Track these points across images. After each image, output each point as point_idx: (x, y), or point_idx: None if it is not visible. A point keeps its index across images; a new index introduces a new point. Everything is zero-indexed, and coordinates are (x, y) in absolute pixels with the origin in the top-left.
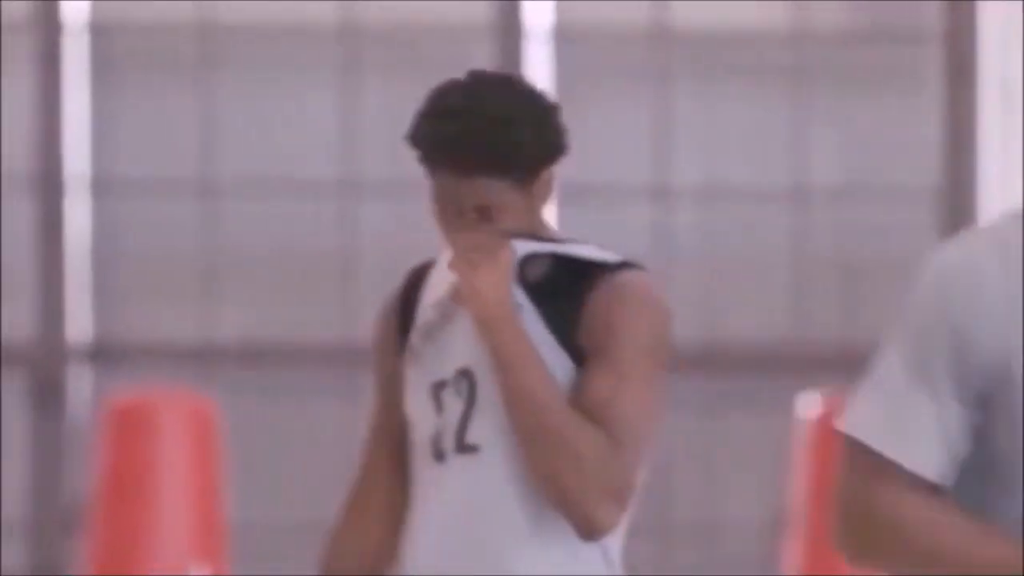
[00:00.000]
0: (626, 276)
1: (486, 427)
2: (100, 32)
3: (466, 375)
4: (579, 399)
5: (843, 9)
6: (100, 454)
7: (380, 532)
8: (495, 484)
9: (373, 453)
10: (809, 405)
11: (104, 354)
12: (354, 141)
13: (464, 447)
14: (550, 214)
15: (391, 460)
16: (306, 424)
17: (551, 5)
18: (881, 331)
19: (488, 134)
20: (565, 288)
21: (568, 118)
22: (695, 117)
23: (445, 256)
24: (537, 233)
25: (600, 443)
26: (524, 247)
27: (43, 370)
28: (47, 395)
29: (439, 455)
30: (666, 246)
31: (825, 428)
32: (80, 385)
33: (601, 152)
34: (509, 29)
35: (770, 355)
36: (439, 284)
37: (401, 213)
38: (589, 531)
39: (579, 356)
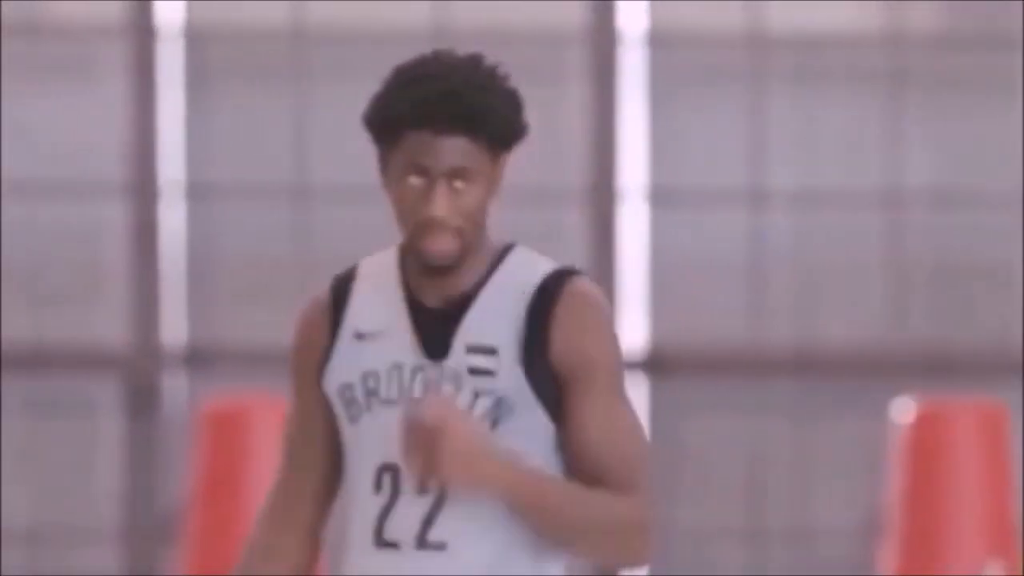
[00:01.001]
0: (580, 287)
1: (454, 525)
2: (194, 38)
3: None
4: (579, 442)
5: (939, 12)
6: (195, 459)
7: (300, 551)
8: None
9: (298, 459)
10: (903, 409)
11: (198, 359)
12: None
13: (427, 544)
14: (643, 217)
15: (318, 482)
16: None
17: (645, 9)
18: (975, 335)
19: (466, 95)
20: (535, 302)
21: (662, 122)
22: (790, 121)
23: (369, 264)
24: (486, 241)
25: (629, 505)
26: (532, 261)
27: (138, 375)
28: (142, 400)
29: (385, 543)
30: (760, 250)
31: (919, 432)
32: (175, 390)
33: (696, 156)
34: (603, 33)
35: (864, 359)
36: (372, 299)
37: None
38: (637, 569)
39: (547, 373)
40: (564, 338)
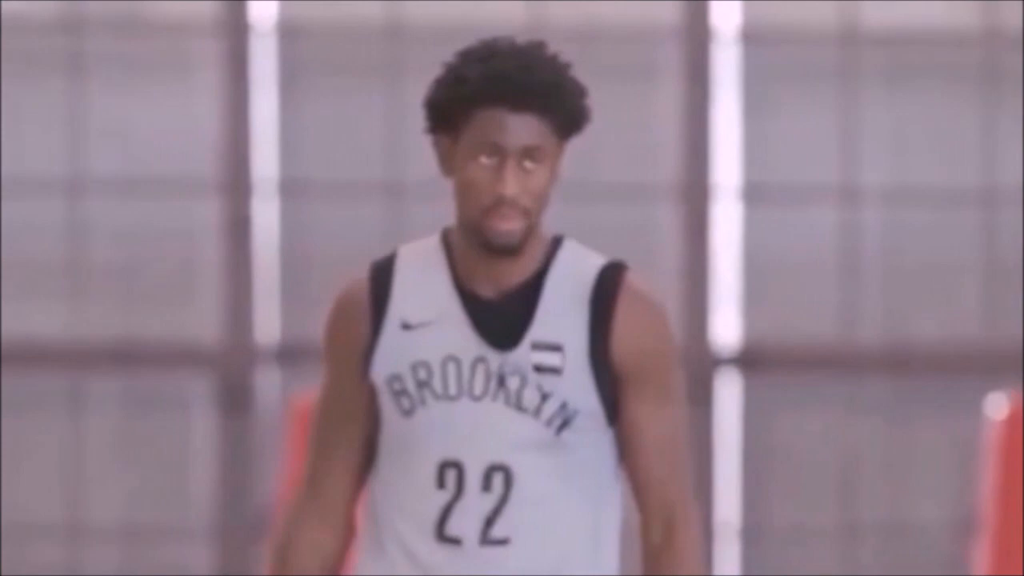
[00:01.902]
0: (637, 285)
1: (518, 521)
2: (288, 34)
3: (502, 471)
4: (635, 444)
5: None
6: (287, 456)
7: (336, 542)
8: (530, 573)
9: (339, 453)
10: (997, 406)
11: (291, 355)
12: None
13: (490, 540)
14: (736, 214)
15: (354, 464)
16: None
17: (739, 6)
18: None
19: (539, 72)
20: (595, 299)
21: (756, 120)
22: (883, 118)
23: (410, 252)
24: (549, 232)
25: (697, 535)
26: (584, 253)
27: (231, 372)
28: (235, 397)
29: (446, 538)
30: (853, 247)
31: (1013, 429)
32: (267, 387)
33: (788, 153)
34: (696, 31)
35: (958, 356)
36: (418, 289)
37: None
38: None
39: (608, 373)
40: (626, 338)
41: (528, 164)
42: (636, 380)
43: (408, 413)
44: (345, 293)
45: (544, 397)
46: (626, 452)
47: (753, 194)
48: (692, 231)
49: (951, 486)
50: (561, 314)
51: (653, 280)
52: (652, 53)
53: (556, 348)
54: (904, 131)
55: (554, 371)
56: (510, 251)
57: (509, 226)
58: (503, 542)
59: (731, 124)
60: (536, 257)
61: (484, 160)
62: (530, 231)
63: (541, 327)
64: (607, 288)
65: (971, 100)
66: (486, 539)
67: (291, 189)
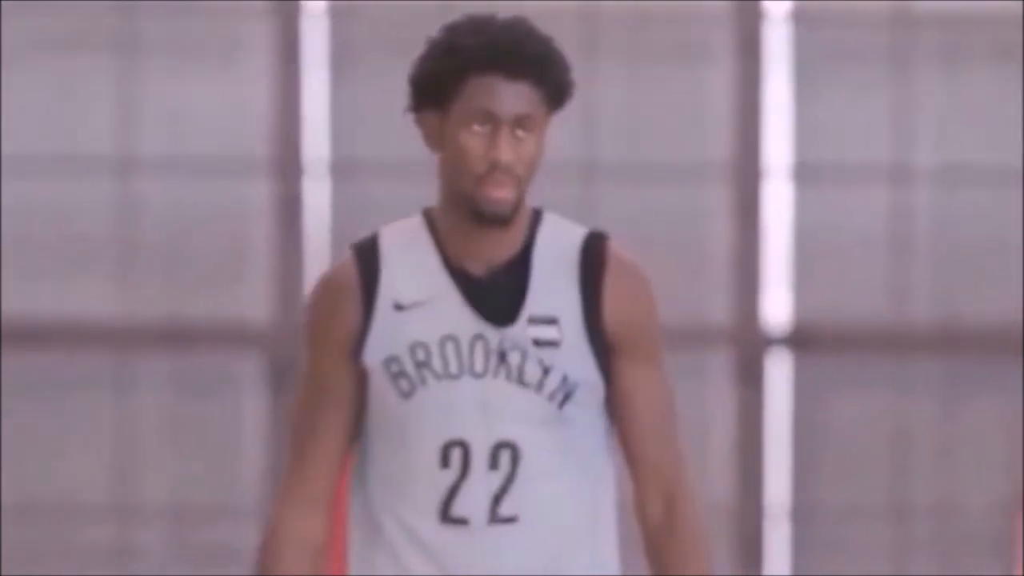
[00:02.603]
0: (622, 254)
1: (525, 498)
2: (339, 15)
3: (508, 447)
4: (627, 411)
5: None
6: None
7: (323, 530)
8: (544, 550)
9: (327, 440)
10: None
11: None
12: (593, 126)
13: (498, 518)
14: (787, 194)
15: (341, 451)
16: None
17: None
18: None
19: (531, 42)
20: (584, 270)
21: (807, 100)
22: (934, 98)
23: (392, 233)
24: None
25: (705, 548)
26: (565, 225)
27: (280, 352)
28: (284, 377)
29: (452, 519)
30: (904, 227)
31: None
32: None
33: (839, 133)
34: (748, 11)
35: (1008, 336)
36: (407, 269)
37: (638, 195)
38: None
39: (602, 342)
40: (618, 307)
41: (520, 133)
42: (628, 349)
43: (407, 395)
44: (331, 277)
45: (546, 371)
46: (620, 423)
47: (804, 174)
48: (743, 211)
49: (1001, 465)
50: (553, 287)
51: (704, 260)
52: (704, 34)
53: (552, 321)
54: (955, 111)
55: (552, 344)
56: (502, 221)
57: (503, 194)
58: (511, 520)
59: (782, 104)
60: (522, 231)
61: (477, 128)
62: (520, 202)
63: (536, 301)
64: (594, 258)
65: (1021, 80)
66: (494, 518)
67: (342, 169)
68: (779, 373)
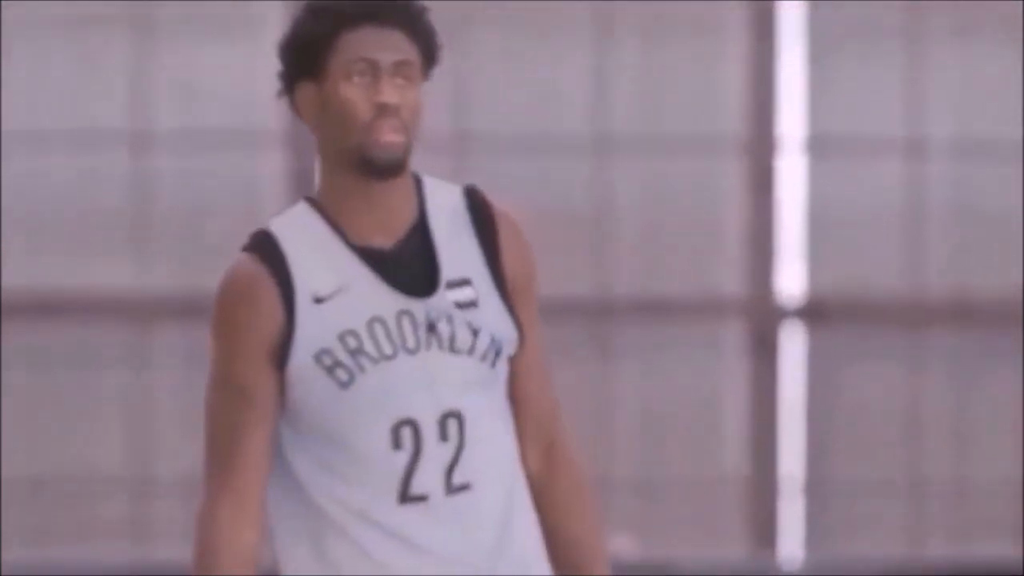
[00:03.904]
0: (501, 207)
1: (474, 464)
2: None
3: (454, 417)
4: (527, 356)
5: None
6: None
7: (256, 537)
8: (495, 513)
9: (254, 447)
10: None
11: None
12: (607, 101)
13: (454, 488)
14: (801, 167)
15: (268, 456)
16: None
17: None
18: None
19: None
20: (477, 226)
21: (821, 73)
22: (948, 71)
23: (284, 226)
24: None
25: (576, 455)
26: (441, 184)
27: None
28: None
29: (411, 497)
30: (918, 200)
31: None
32: None
33: (854, 106)
34: None
35: (1022, 309)
36: (314, 260)
37: (653, 167)
38: None
39: (504, 287)
40: (512, 257)
41: (400, 81)
42: (520, 298)
43: (346, 384)
44: (240, 279)
45: (475, 333)
46: (509, 374)
47: (818, 148)
48: (758, 185)
49: (1015, 439)
50: (457, 247)
51: (718, 234)
52: (718, 9)
53: (466, 282)
54: (968, 85)
55: (472, 304)
56: (394, 168)
57: (393, 137)
58: (465, 488)
59: (797, 78)
60: (413, 196)
61: (357, 79)
62: (409, 151)
63: (446, 265)
64: (481, 213)
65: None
66: (450, 488)
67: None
68: (793, 346)
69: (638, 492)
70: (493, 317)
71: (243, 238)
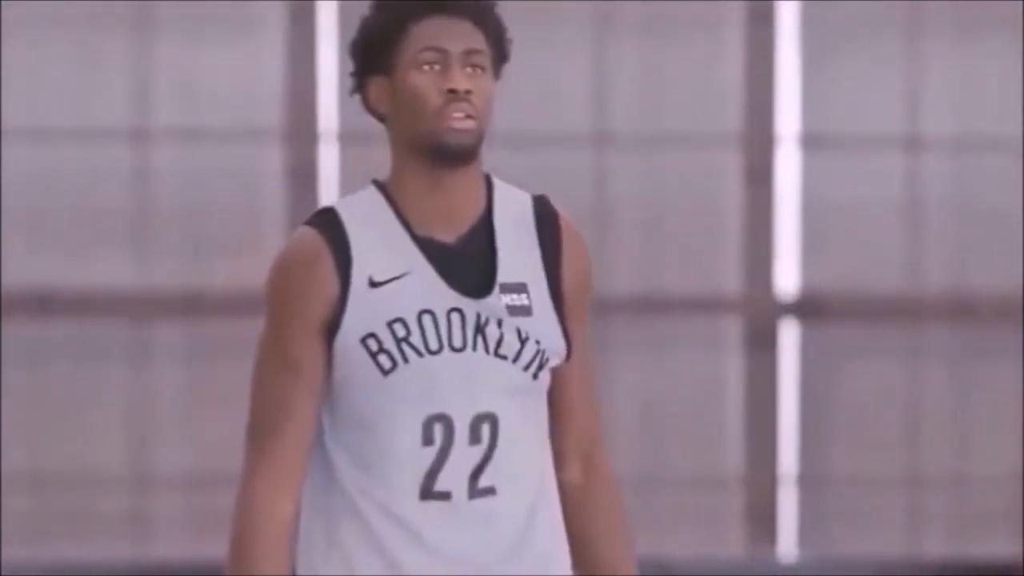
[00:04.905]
0: (568, 218)
1: (501, 470)
2: None
3: (488, 420)
4: (575, 369)
5: None
6: None
7: (296, 512)
8: (516, 519)
9: (299, 417)
10: None
11: None
12: (606, 97)
13: (478, 491)
14: (798, 162)
15: (312, 428)
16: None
17: None
18: None
19: None
20: (541, 234)
21: (819, 68)
22: (947, 67)
23: (350, 207)
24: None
25: (620, 496)
26: (512, 188)
27: None
28: None
29: (434, 494)
30: (916, 196)
31: None
32: None
33: (851, 102)
34: None
35: (1020, 305)
36: (375, 243)
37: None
38: None
39: (560, 300)
40: (572, 270)
41: (470, 70)
42: (575, 312)
43: (388, 372)
44: (300, 252)
45: (523, 341)
46: (553, 384)
47: (815, 143)
48: (755, 180)
49: (1014, 435)
50: (517, 252)
51: (716, 229)
52: (717, 6)
53: (522, 288)
54: (968, 80)
55: (525, 311)
56: (466, 155)
57: (464, 124)
58: (489, 491)
59: (794, 74)
60: (482, 191)
61: (427, 68)
62: (480, 141)
63: (505, 268)
64: (548, 221)
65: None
66: (474, 491)
67: (355, 138)
68: (790, 341)
69: (636, 487)
70: (543, 327)
71: (243, 237)
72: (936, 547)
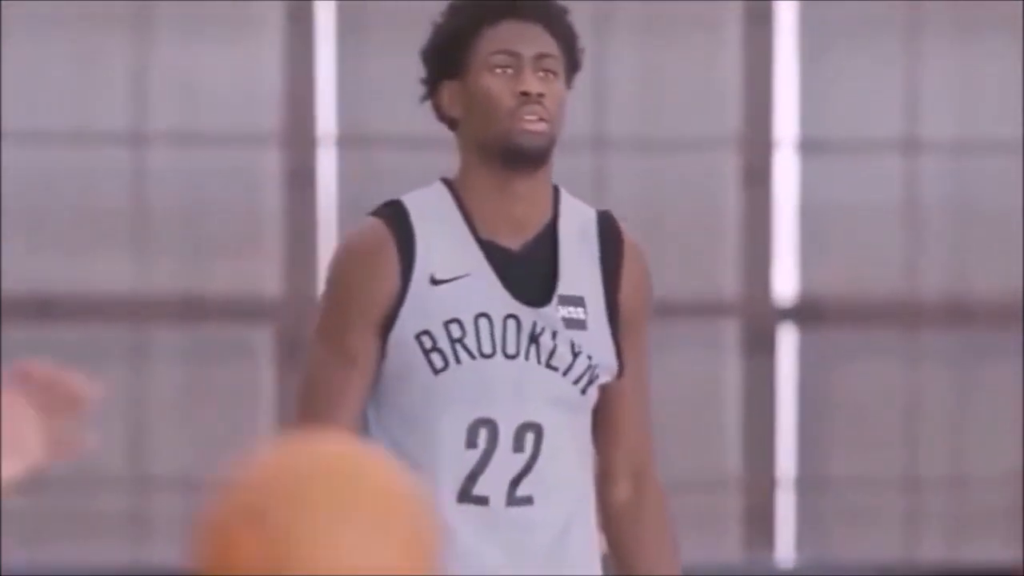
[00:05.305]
0: (634, 238)
1: (541, 480)
2: None
3: (533, 429)
4: (627, 388)
5: None
6: None
7: None
8: (552, 530)
9: (347, 407)
10: None
11: None
12: (605, 98)
13: (516, 499)
14: (796, 165)
15: (359, 419)
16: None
17: None
18: None
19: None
20: (603, 250)
21: (817, 70)
22: (946, 69)
23: (418, 202)
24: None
25: (663, 491)
26: (578, 201)
27: (293, 323)
28: (297, 349)
29: (473, 498)
30: (915, 198)
31: None
32: None
33: (850, 104)
34: None
35: (1020, 307)
36: (440, 241)
37: (650, 166)
38: None
39: (616, 318)
40: (632, 289)
41: (542, 74)
42: (630, 332)
43: (440, 371)
44: (365, 242)
45: (575, 354)
46: (604, 399)
47: (814, 146)
48: (753, 183)
49: (1012, 437)
50: (578, 265)
51: (714, 232)
52: (716, 6)
53: (580, 302)
54: (967, 82)
55: (580, 325)
56: (537, 157)
57: (537, 127)
58: (527, 500)
59: (793, 76)
60: (548, 202)
61: (500, 71)
62: (552, 145)
63: (566, 280)
64: (612, 238)
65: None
66: (512, 499)
67: (353, 141)
68: (789, 345)
69: None
70: (597, 342)
71: (241, 238)
72: (935, 549)
